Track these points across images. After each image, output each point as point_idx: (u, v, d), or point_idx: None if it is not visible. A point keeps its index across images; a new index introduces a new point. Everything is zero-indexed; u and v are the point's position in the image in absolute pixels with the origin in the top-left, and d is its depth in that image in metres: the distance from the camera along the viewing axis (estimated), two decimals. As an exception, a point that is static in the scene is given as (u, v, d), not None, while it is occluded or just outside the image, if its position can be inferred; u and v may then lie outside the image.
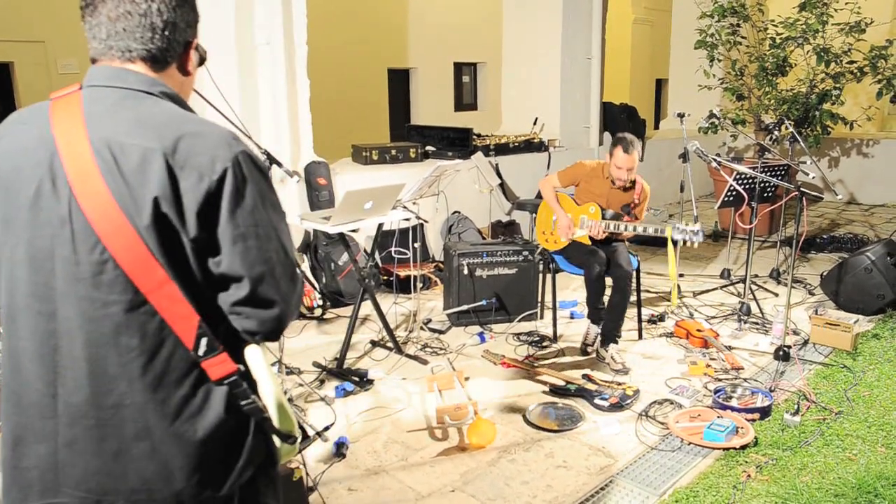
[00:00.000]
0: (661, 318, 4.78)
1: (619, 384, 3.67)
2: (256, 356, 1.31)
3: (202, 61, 1.37)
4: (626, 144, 4.05)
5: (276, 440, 1.33)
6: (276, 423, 1.30)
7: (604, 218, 4.14)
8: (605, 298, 4.14)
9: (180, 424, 1.22)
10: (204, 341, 1.20)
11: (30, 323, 1.21)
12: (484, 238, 6.03)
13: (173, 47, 1.26)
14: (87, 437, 1.21)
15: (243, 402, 1.25)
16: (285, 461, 1.41)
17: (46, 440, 1.22)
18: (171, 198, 1.15)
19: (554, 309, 4.54)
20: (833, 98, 7.36)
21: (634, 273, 4.14)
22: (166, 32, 1.24)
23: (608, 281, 4.13)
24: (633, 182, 4.22)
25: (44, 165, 1.19)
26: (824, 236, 6.94)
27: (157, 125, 1.18)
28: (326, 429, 3.07)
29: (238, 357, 1.27)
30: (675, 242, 3.92)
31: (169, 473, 1.22)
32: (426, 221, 4.43)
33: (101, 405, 1.20)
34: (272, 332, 1.27)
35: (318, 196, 5.28)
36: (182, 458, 1.22)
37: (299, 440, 1.37)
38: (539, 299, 4.84)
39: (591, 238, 4.18)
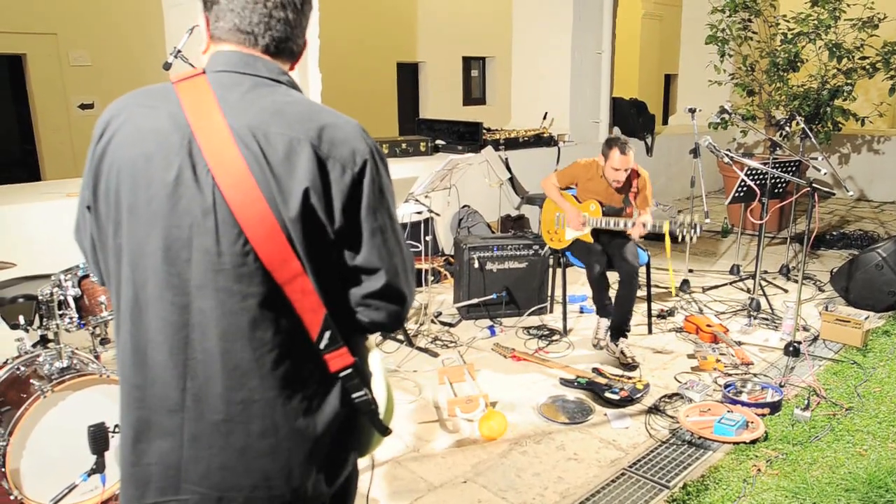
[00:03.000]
0: (671, 312, 4.79)
1: (630, 378, 3.69)
2: (375, 353, 1.33)
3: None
4: (621, 145, 4.01)
5: (373, 432, 1.32)
6: (381, 415, 1.29)
7: (604, 214, 4.14)
8: (612, 293, 4.15)
9: (303, 420, 1.21)
10: (328, 334, 1.19)
11: (160, 314, 1.17)
12: (493, 232, 6.04)
13: (297, 42, 1.26)
14: (213, 433, 1.18)
15: (355, 395, 1.24)
16: (371, 452, 1.42)
17: (171, 435, 1.19)
18: (321, 188, 1.14)
19: (564, 303, 4.55)
20: (844, 94, 7.32)
21: (642, 267, 4.15)
22: (293, 26, 1.23)
23: (615, 275, 4.14)
24: (630, 174, 4.20)
25: (181, 152, 1.14)
26: (834, 233, 6.93)
27: (297, 115, 1.16)
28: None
29: (354, 351, 1.25)
30: (672, 237, 3.92)
31: (289, 470, 1.21)
32: (438, 214, 4.45)
33: (231, 400, 1.17)
34: (396, 324, 1.28)
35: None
36: (303, 454, 1.22)
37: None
38: (549, 293, 4.86)
39: (593, 234, 4.19)
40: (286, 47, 1.24)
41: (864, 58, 7.31)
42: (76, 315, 2.73)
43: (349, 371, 1.22)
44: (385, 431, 1.32)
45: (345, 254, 1.19)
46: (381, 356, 1.36)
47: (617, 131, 8.13)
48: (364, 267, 1.20)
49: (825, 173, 4.60)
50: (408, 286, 1.26)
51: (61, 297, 2.70)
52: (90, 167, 1.23)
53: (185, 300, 1.16)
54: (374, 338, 1.48)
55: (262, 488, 1.21)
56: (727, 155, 4.32)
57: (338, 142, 1.16)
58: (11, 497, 2.45)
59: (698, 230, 3.84)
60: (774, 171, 4.52)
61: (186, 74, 1.20)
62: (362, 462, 2.95)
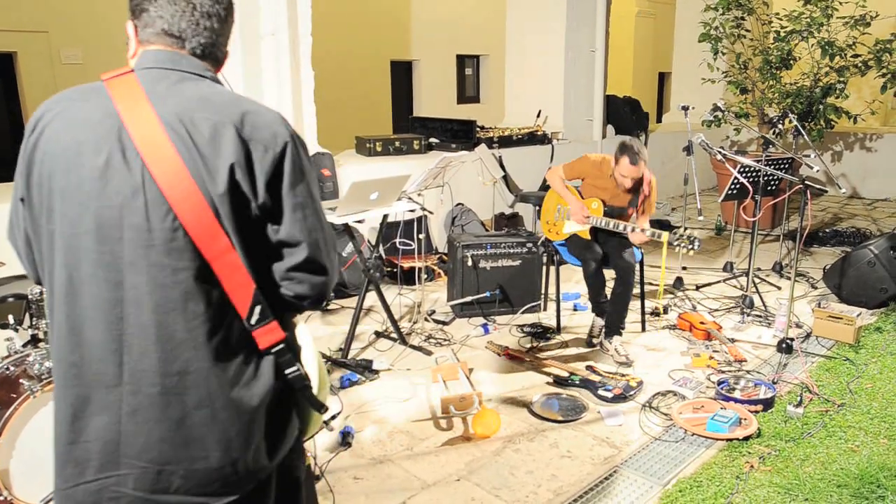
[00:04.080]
0: (665, 310, 4.80)
1: (623, 375, 3.69)
2: (302, 327, 1.39)
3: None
4: (634, 155, 3.91)
5: (311, 409, 1.38)
6: (315, 390, 1.35)
7: (606, 215, 4.13)
8: (608, 291, 4.15)
9: (238, 391, 1.25)
10: (258, 309, 1.25)
11: (94, 292, 1.22)
12: (487, 230, 6.04)
13: (222, 50, 1.35)
14: (150, 405, 1.22)
15: (288, 371, 1.30)
16: (312, 433, 1.45)
17: (109, 410, 1.23)
18: (245, 165, 1.22)
19: (557, 300, 4.55)
20: (837, 92, 7.35)
21: (637, 265, 4.15)
22: (218, 34, 1.33)
23: (611, 272, 4.13)
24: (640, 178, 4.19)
25: (111, 137, 1.21)
26: (827, 230, 6.95)
27: (220, 103, 1.25)
28: (333, 418, 3.10)
29: (284, 326, 1.31)
30: (669, 244, 3.88)
31: (228, 441, 1.26)
32: (431, 213, 4.44)
33: (167, 372, 1.22)
34: (320, 297, 1.34)
35: (323, 187, 5.29)
36: (239, 424, 1.26)
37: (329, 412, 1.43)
38: (543, 291, 4.86)
39: (591, 232, 4.18)
40: (211, 52, 1.33)
41: (856, 56, 7.34)
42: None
43: (281, 346, 1.29)
44: (320, 408, 1.39)
45: (269, 228, 1.26)
46: (308, 330, 1.41)
47: (611, 130, 8.14)
48: (287, 241, 1.27)
49: (817, 170, 4.61)
50: (329, 260, 1.33)
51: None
52: (23, 159, 1.29)
53: (119, 277, 1.21)
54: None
55: (200, 460, 1.25)
56: (720, 152, 4.32)
57: (259, 125, 1.25)
58: (1, 497, 2.43)
59: (696, 245, 3.79)
60: (767, 168, 4.52)
61: (116, 72, 1.28)
62: (351, 461, 2.95)
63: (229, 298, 1.23)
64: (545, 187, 4.48)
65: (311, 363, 1.36)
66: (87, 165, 1.21)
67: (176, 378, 1.22)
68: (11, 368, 2.66)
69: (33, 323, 2.73)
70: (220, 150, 1.20)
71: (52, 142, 1.25)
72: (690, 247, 3.78)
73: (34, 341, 2.81)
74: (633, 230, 3.96)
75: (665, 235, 3.82)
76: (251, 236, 1.24)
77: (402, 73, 12.14)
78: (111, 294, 1.21)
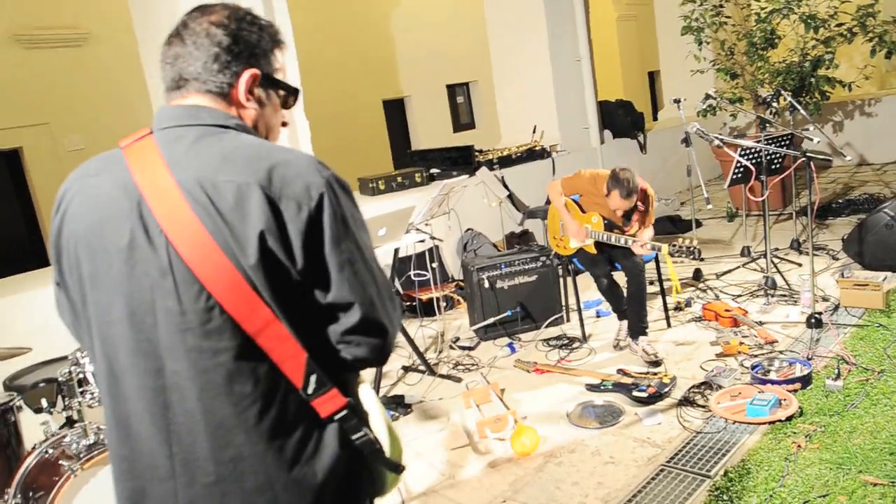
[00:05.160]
0: (688, 303, 4.76)
1: (655, 374, 3.65)
2: (365, 388, 1.28)
3: (288, 102, 1.31)
4: (625, 189, 3.90)
5: (385, 471, 1.28)
6: (387, 452, 1.24)
7: (606, 228, 4.12)
8: (623, 292, 4.14)
9: (300, 469, 1.16)
10: (313, 378, 1.14)
11: (136, 383, 1.15)
12: (499, 251, 6.05)
13: (220, 82, 1.21)
14: (207, 495, 1.15)
15: (355, 437, 1.19)
16: (390, 491, 1.36)
17: (165, 502, 1.17)
18: (276, 231, 1.10)
19: (579, 310, 4.54)
20: (827, 63, 7.33)
21: (647, 263, 4.13)
22: (225, 67, 1.20)
23: (622, 274, 4.13)
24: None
25: (132, 215, 1.13)
26: (840, 201, 6.88)
27: (244, 158, 1.13)
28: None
29: (345, 390, 1.20)
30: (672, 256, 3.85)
31: None
32: (441, 241, 4.47)
33: (220, 459, 1.14)
34: (381, 357, 1.22)
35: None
36: None
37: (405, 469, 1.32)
38: (563, 302, 4.84)
39: (596, 245, 4.18)
40: (227, 92, 1.21)
41: (840, 24, 7.33)
42: (97, 390, 2.75)
43: (344, 413, 1.17)
44: (397, 469, 1.28)
45: (315, 292, 1.15)
46: (372, 390, 1.32)
47: (608, 134, 8.16)
48: (337, 303, 1.15)
49: (818, 142, 4.59)
50: (387, 316, 1.20)
51: (80, 375, 2.71)
52: (52, 243, 1.24)
53: (158, 364, 1.14)
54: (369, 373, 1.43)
55: None
56: (717, 138, 4.32)
57: (289, 179, 1.12)
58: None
59: (697, 255, 3.74)
60: (767, 147, 4.51)
61: (134, 137, 1.20)
62: (396, 499, 2.93)
63: (280, 371, 1.13)
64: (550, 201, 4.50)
65: (379, 424, 1.25)
66: (112, 248, 1.14)
67: (230, 465, 1.13)
68: (50, 451, 2.69)
69: (66, 403, 2.77)
70: (247, 217, 1.08)
71: (73, 223, 1.19)
72: (692, 257, 3.74)
73: (69, 423, 2.85)
74: (633, 243, 3.93)
75: (665, 248, 3.80)
76: (296, 302, 1.13)
77: (395, 110, 12.30)
78: (153, 382, 1.14)
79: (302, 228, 1.11)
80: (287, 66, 1.32)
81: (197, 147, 1.15)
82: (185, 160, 1.14)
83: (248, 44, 1.22)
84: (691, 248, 3.76)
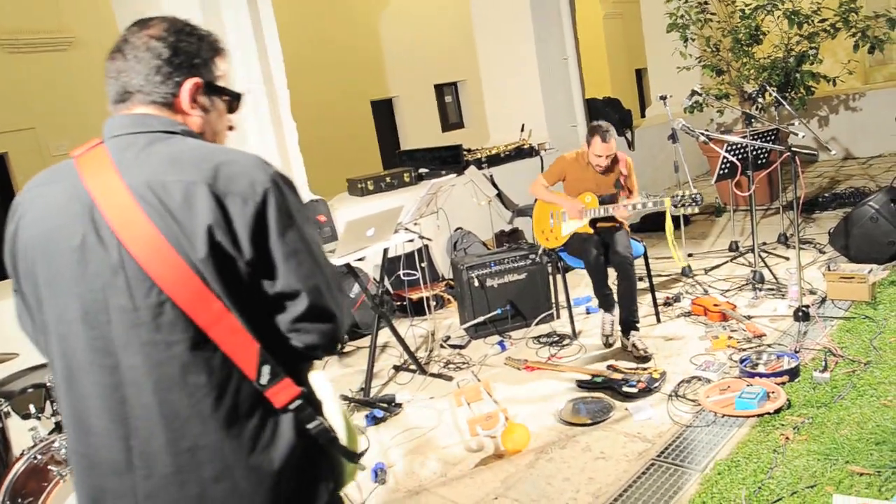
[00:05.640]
0: (677, 298, 4.79)
1: (645, 369, 3.67)
2: (319, 377, 1.32)
3: (232, 106, 1.37)
4: (603, 133, 4.12)
5: (343, 460, 1.32)
6: (343, 441, 1.29)
7: (601, 203, 4.18)
8: (613, 287, 4.16)
9: (257, 457, 1.20)
10: (266, 369, 1.18)
11: (92, 380, 1.19)
12: (489, 249, 6.06)
13: (163, 92, 1.26)
14: (166, 486, 1.18)
15: (310, 426, 1.24)
16: (349, 482, 1.40)
17: (125, 497, 1.20)
18: (224, 225, 1.15)
19: (569, 307, 4.55)
20: (811, 58, 7.39)
21: (636, 258, 4.16)
22: (166, 77, 1.26)
23: (612, 271, 4.15)
24: (614, 159, 4.26)
25: (83, 218, 1.18)
26: (826, 195, 6.94)
27: (191, 160, 1.19)
28: (361, 455, 3.08)
29: (299, 380, 1.25)
30: (674, 217, 3.97)
31: None
32: (430, 240, 4.47)
33: (178, 450, 1.17)
34: (331, 344, 1.27)
35: (321, 233, 5.33)
36: (263, 492, 1.21)
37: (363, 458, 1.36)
38: (553, 300, 4.86)
39: (591, 225, 4.22)
40: (170, 101, 1.26)
41: (823, 20, 7.39)
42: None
43: (299, 402, 1.22)
44: (353, 458, 1.32)
45: (263, 283, 1.20)
46: (326, 378, 1.36)
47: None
48: (285, 292, 1.20)
49: (803, 136, 4.63)
50: (334, 303, 1.26)
51: (68, 380, 2.70)
52: (8, 252, 1.28)
53: (114, 361, 1.18)
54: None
55: None
56: (702, 134, 4.35)
57: (235, 177, 1.18)
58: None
59: (700, 199, 3.92)
60: (753, 142, 4.55)
61: (86, 146, 1.25)
62: (387, 496, 2.93)
63: (233, 363, 1.17)
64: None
65: (334, 413, 1.30)
66: (65, 251, 1.19)
67: (188, 455, 1.17)
68: (39, 457, 2.68)
69: (55, 409, 2.76)
70: (194, 213, 1.14)
71: (28, 230, 1.23)
72: (693, 204, 3.90)
73: (59, 428, 2.84)
74: (633, 207, 4.10)
75: (667, 201, 3.94)
76: (246, 294, 1.18)
77: (384, 111, 12.28)
78: (109, 379, 1.18)
79: (248, 222, 1.16)
80: (229, 72, 1.37)
81: (146, 152, 1.20)
82: (135, 165, 1.19)
83: (188, 54, 1.28)
84: (693, 196, 3.91)
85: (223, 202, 1.15)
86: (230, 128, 1.39)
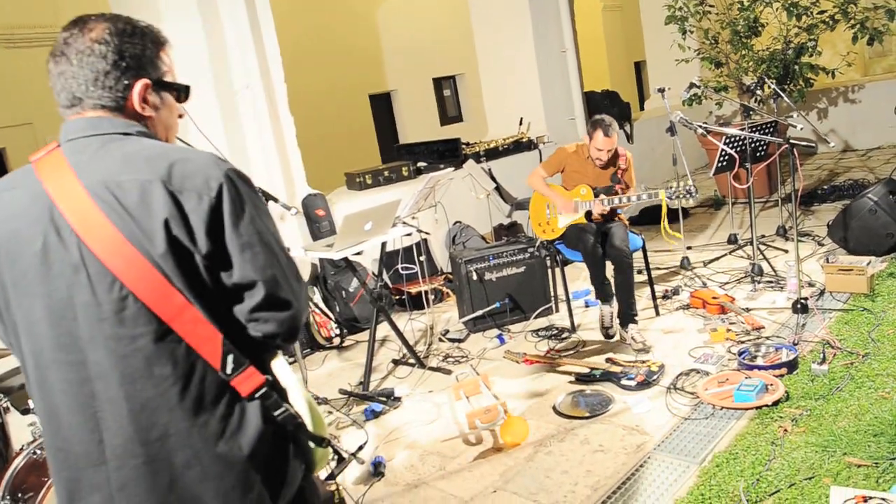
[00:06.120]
0: (676, 291, 4.79)
1: (643, 362, 3.68)
2: (281, 364, 1.35)
3: (180, 98, 1.38)
4: (606, 127, 4.11)
5: (312, 445, 1.35)
6: (309, 427, 1.33)
7: (597, 196, 4.18)
8: (611, 278, 4.16)
9: (225, 444, 1.24)
10: (230, 358, 1.23)
11: (61, 376, 1.23)
12: (488, 243, 6.05)
13: (114, 95, 1.28)
14: (138, 477, 1.22)
15: (276, 413, 1.28)
16: (321, 467, 1.44)
17: (99, 489, 1.23)
18: (180, 219, 1.18)
19: (567, 300, 4.55)
20: (810, 50, 7.37)
21: (634, 251, 4.17)
22: (116, 81, 1.27)
23: (609, 264, 4.16)
24: (615, 154, 4.26)
25: (44, 220, 1.21)
26: (825, 187, 6.93)
27: (146, 159, 1.22)
28: (360, 449, 3.10)
29: (262, 368, 1.29)
30: (670, 208, 3.98)
31: (225, 496, 1.25)
32: (428, 234, 4.47)
33: (147, 440, 1.21)
34: (290, 332, 1.30)
35: (319, 227, 5.33)
36: (233, 477, 1.25)
37: (331, 443, 1.40)
38: (552, 293, 4.86)
39: (587, 218, 4.22)
40: (122, 105, 1.28)
41: (822, 12, 7.37)
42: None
43: (264, 390, 1.26)
44: (321, 442, 1.36)
45: (222, 275, 1.23)
46: (287, 365, 1.39)
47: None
48: (242, 283, 1.24)
49: (801, 129, 4.62)
50: (291, 293, 1.28)
51: (67, 375, 2.71)
52: None
53: (81, 356, 1.22)
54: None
55: None
56: (700, 127, 4.34)
57: (189, 174, 1.21)
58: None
59: (695, 192, 3.89)
60: (751, 134, 4.54)
61: (44, 150, 1.27)
62: (386, 490, 2.94)
63: (197, 354, 1.22)
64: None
65: (299, 400, 1.34)
66: (28, 253, 1.22)
67: (158, 444, 1.21)
68: (38, 452, 2.68)
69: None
70: (151, 210, 1.18)
71: None
72: (689, 196, 3.89)
73: (57, 422, 2.84)
74: (628, 200, 4.09)
75: (662, 193, 3.93)
76: (206, 286, 1.22)
77: (382, 105, 12.26)
78: (77, 374, 1.22)
79: (204, 217, 1.20)
80: (173, 64, 1.37)
81: (101, 153, 1.23)
82: (90, 166, 1.22)
83: (134, 56, 1.29)
84: (688, 188, 3.91)
85: (178, 199, 1.19)
86: (180, 115, 1.41)
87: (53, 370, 1.23)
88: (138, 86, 1.29)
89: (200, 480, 1.23)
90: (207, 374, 1.23)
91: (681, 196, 3.93)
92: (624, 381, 3.51)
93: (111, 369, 1.20)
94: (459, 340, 4.58)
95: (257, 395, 1.26)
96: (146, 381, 1.20)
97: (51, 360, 1.23)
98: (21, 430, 2.93)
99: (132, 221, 1.18)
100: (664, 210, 4.11)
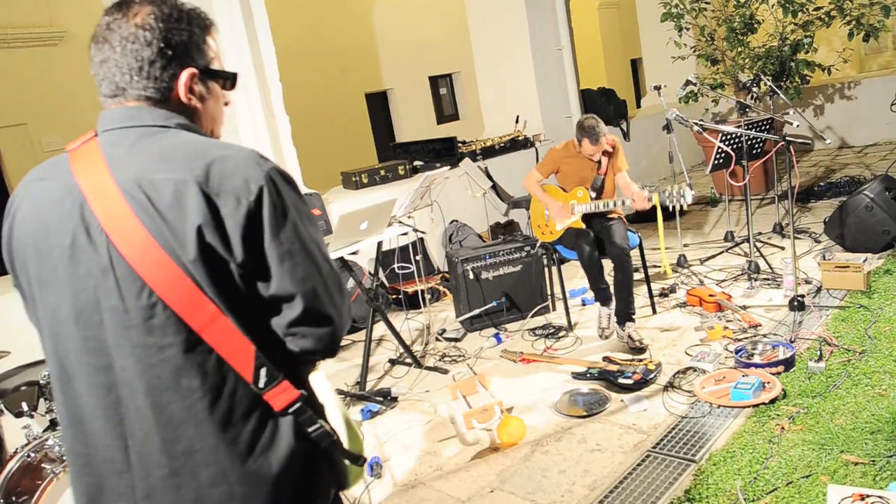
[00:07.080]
0: (672, 289, 4.78)
1: (640, 361, 3.67)
2: (319, 378, 1.28)
3: (227, 86, 1.31)
4: (593, 136, 4.07)
5: (346, 462, 1.29)
6: (345, 444, 1.26)
7: (593, 199, 4.17)
8: (609, 279, 4.15)
9: (254, 461, 1.17)
10: (263, 371, 1.14)
11: (87, 380, 1.17)
12: (485, 242, 6.04)
13: (158, 86, 1.20)
14: (163, 488, 1.16)
15: (311, 429, 1.20)
16: (354, 485, 1.36)
17: (124, 497, 1.18)
18: (214, 225, 1.10)
19: (564, 299, 4.54)
20: (806, 47, 7.37)
21: (632, 249, 4.16)
22: (159, 69, 1.19)
23: (607, 261, 4.14)
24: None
25: (74, 217, 1.15)
26: (821, 184, 6.93)
27: (183, 156, 1.13)
28: (364, 457, 3.08)
29: (298, 382, 1.21)
30: (664, 208, 3.96)
31: None
32: (424, 233, 4.45)
33: (173, 453, 1.15)
34: (329, 348, 1.22)
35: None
36: (261, 497, 1.17)
37: (366, 460, 1.33)
38: (548, 292, 4.85)
39: (584, 219, 4.21)
40: (165, 95, 1.21)
41: (818, 8, 7.37)
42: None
43: (298, 405, 1.18)
44: (357, 460, 1.28)
45: (258, 285, 1.15)
46: (326, 379, 1.32)
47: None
48: (280, 295, 1.16)
49: (797, 126, 4.62)
50: (333, 307, 1.20)
51: (61, 377, 2.69)
52: (5, 248, 1.26)
53: (107, 361, 1.15)
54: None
55: None
56: (696, 124, 4.34)
57: (227, 174, 1.12)
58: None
59: (688, 196, 3.87)
60: (747, 132, 4.53)
61: (80, 140, 1.21)
62: (383, 491, 2.93)
63: (229, 366, 1.14)
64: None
65: (335, 416, 1.27)
66: (56, 250, 1.16)
67: (183, 458, 1.15)
68: (32, 455, 2.67)
69: (49, 407, 2.75)
70: (184, 213, 1.09)
71: (22, 226, 1.21)
72: (682, 199, 3.86)
73: (52, 425, 2.82)
74: (631, 201, 4.06)
75: (655, 197, 3.93)
76: (240, 296, 1.14)
77: (378, 104, 12.24)
78: (103, 379, 1.16)
79: (241, 222, 1.11)
80: (221, 46, 1.30)
81: (137, 147, 1.16)
82: (125, 161, 1.15)
83: (181, 44, 1.21)
84: (681, 192, 3.90)
85: (215, 202, 1.10)
86: (226, 103, 1.33)
87: (80, 373, 1.17)
88: (184, 75, 1.21)
89: (227, 499, 1.16)
90: (238, 387, 1.15)
91: (674, 200, 3.90)
92: (621, 380, 3.50)
93: (137, 378, 1.14)
94: (456, 340, 4.57)
95: (291, 411, 1.18)
96: (173, 392, 1.13)
97: (77, 363, 1.17)
98: (15, 432, 2.91)
99: (164, 224, 1.10)
100: (660, 222, 4.09)
